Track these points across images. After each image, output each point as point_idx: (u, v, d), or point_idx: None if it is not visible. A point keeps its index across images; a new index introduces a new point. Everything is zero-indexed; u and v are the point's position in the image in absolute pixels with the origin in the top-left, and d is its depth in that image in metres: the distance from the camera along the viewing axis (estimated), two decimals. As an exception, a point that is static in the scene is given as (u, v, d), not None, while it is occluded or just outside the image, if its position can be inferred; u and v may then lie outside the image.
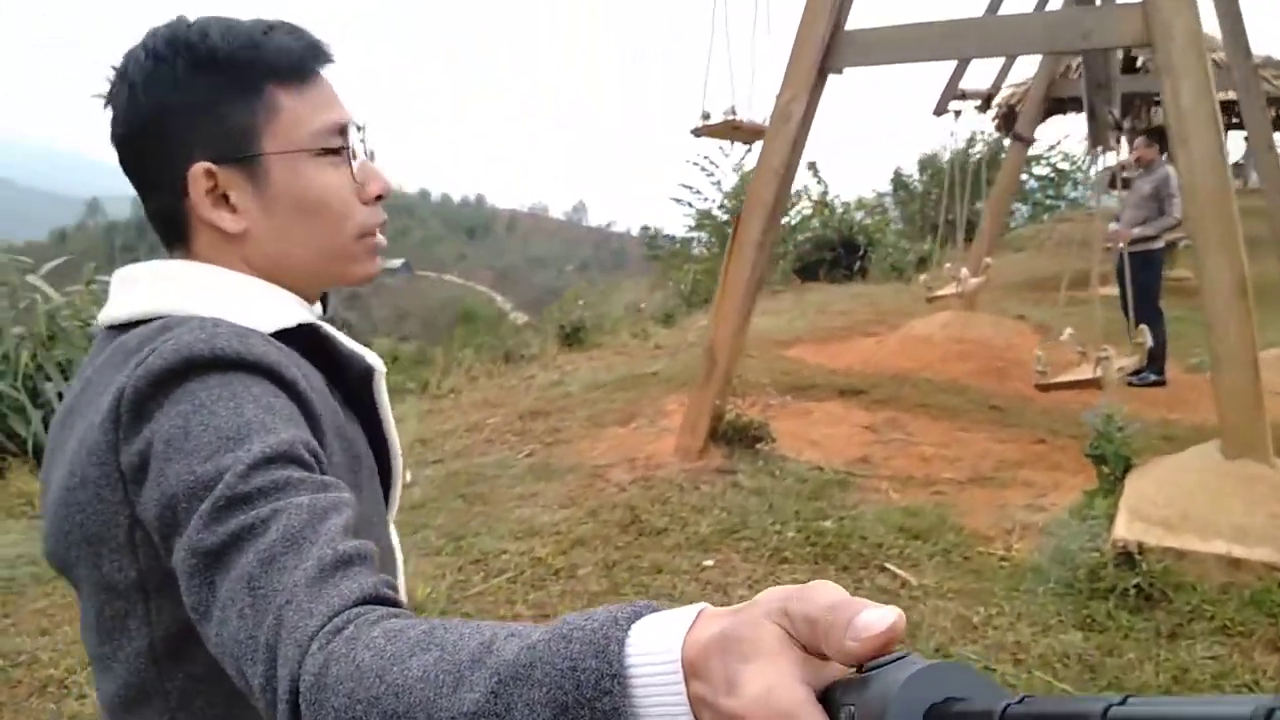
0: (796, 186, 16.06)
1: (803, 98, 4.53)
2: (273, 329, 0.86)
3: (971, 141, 17.62)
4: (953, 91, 7.09)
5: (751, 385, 6.25)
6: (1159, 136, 7.20)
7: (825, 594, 0.45)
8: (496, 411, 7.09)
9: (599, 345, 9.81)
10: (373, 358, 0.96)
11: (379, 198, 0.95)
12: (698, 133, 6.34)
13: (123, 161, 0.90)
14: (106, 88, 0.89)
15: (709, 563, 4.14)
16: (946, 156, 8.69)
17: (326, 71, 0.93)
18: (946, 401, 6.70)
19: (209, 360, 0.76)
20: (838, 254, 14.68)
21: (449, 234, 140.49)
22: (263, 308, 0.88)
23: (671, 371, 7.61)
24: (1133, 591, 3.56)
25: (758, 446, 5.24)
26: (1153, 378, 7.23)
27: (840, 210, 15.70)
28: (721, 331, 5.07)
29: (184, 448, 0.71)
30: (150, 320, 0.85)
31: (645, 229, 21.91)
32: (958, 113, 7.33)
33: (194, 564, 0.67)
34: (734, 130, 6.27)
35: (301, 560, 0.64)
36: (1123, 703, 0.35)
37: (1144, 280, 7.28)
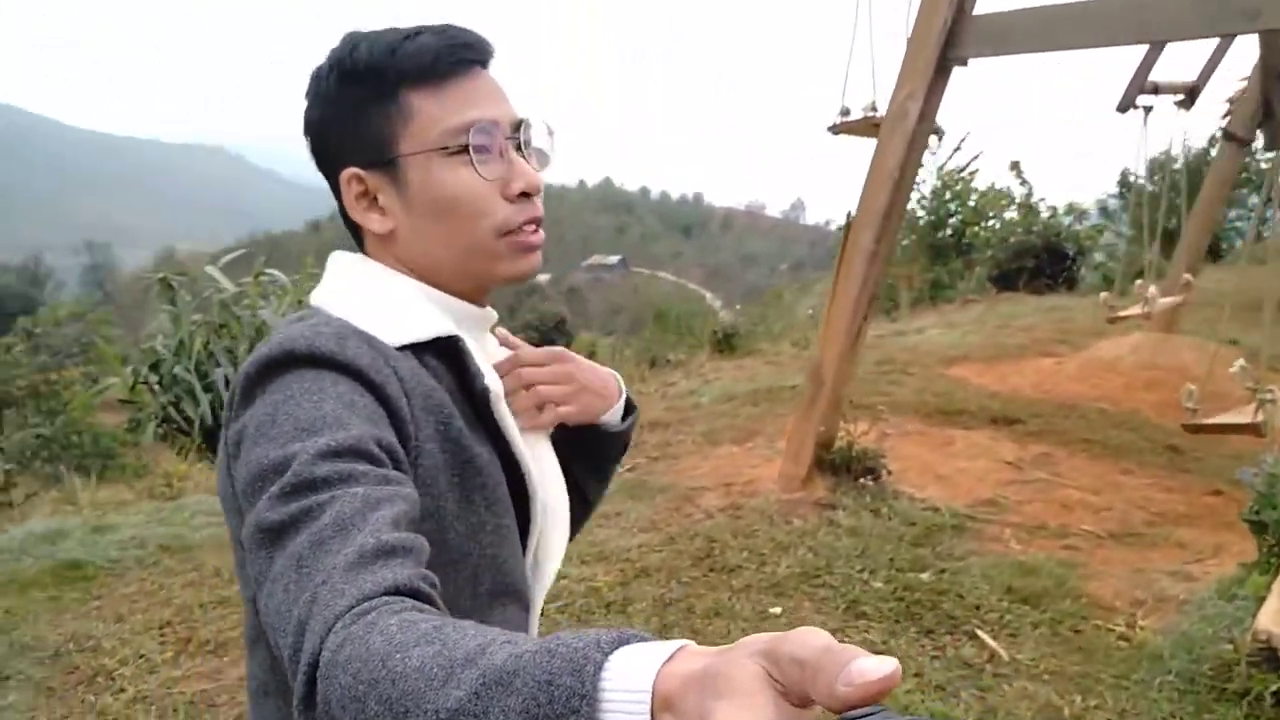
0: (1000, 187, 15.01)
1: (920, 94, 4.02)
2: (399, 342, 0.89)
3: (1213, 141, 15.89)
4: (1140, 84, 6.20)
5: (866, 409, 5.73)
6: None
7: (817, 637, 0.44)
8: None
9: (752, 352, 9.41)
10: (490, 379, 0.95)
11: (525, 194, 0.94)
12: (835, 130, 5.84)
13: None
14: None
15: (776, 610, 3.74)
16: (1162, 158, 7.62)
17: (493, 68, 0.95)
18: (1116, 437, 5.91)
19: (305, 356, 0.81)
20: (1040, 262, 13.53)
21: (666, 231, 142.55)
22: (396, 316, 0.91)
23: (812, 386, 7.15)
24: (1270, 699, 2.88)
25: (862, 480, 4.75)
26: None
27: (1046, 214, 14.47)
28: (829, 352, 4.61)
29: (268, 434, 0.77)
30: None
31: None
32: (1148, 109, 6.40)
33: (259, 538, 0.72)
34: (874, 128, 5.74)
35: (346, 545, 0.67)
36: None
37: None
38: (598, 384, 1.05)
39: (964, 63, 3.98)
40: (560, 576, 4.05)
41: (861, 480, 4.74)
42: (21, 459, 9.53)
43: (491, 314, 1.02)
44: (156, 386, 8.29)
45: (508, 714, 0.49)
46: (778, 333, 11.39)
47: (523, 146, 0.94)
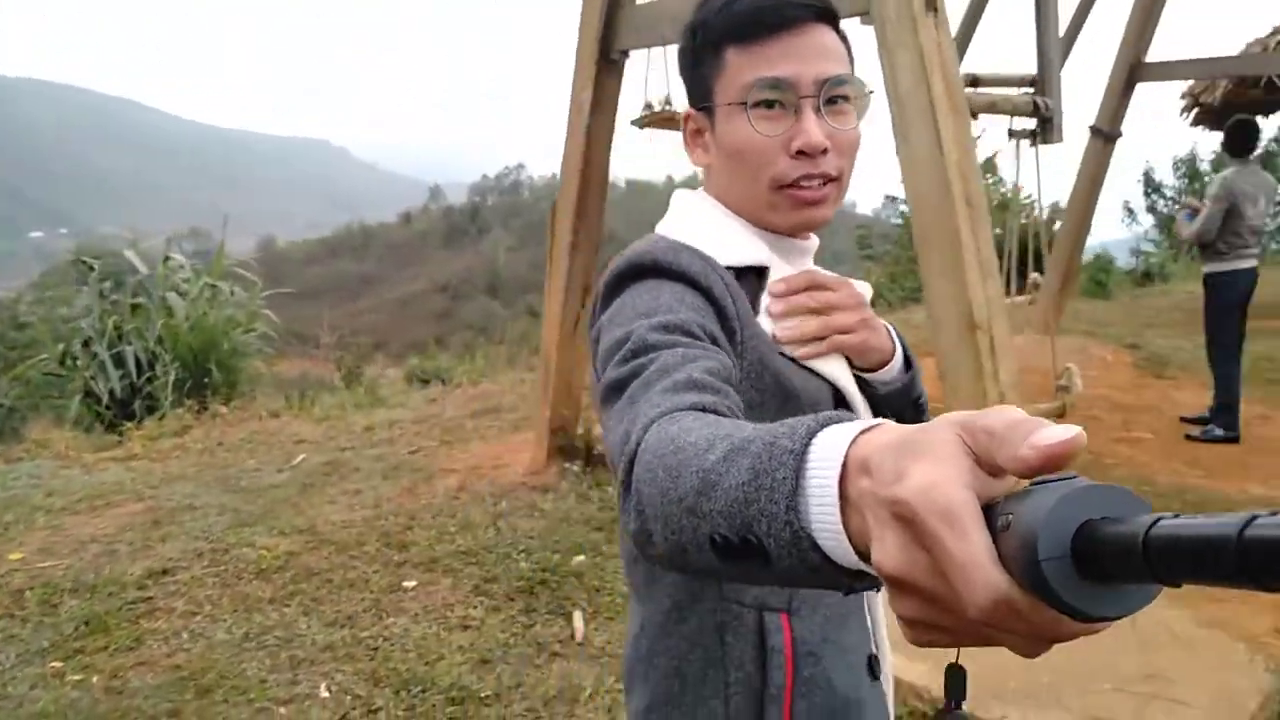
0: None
1: (589, 86, 4.08)
2: (723, 262, 1.01)
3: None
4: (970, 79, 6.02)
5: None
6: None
7: (1009, 412, 0.47)
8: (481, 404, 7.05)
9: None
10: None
11: (801, 152, 1.01)
12: (639, 124, 5.91)
13: None
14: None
15: (410, 584, 3.87)
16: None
17: (821, 26, 1.01)
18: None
19: (649, 267, 0.97)
20: (1007, 264, 13.11)
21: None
22: (719, 239, 1.04)
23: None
24: None
25: (568, 465, 4.82)
26: (1219, 433, 5.85)
27: (1030, 213, 14.01)
28: (549, 339, 4.70)
29: (615, 321, 0.93)
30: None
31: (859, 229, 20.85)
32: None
33: (604, 394, 0.86)
34: (670, 121, 5.78)
35: (666, 380, 0.80)
36: (1273, 514, 0.35)
37: (1207, 308, 5.91)
38: (880, 329, 1.10)
39: (625, 54, 4.02)
40: (244, 544, 4.26)
41: (570, 465, 4.81)
42: (-14, 427, 10.16)
43: (811, 244, 1.12)
44: (79, 362, 8.75)
45: (740, 471, 0.58)
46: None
47: (823, 105, 1.00)
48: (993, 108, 4.24)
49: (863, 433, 0.53)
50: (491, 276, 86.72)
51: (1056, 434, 0.44)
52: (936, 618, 0.47)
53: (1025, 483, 0.46)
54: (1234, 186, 5.53)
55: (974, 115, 4.03)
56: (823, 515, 0.53)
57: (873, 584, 0.54)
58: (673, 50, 4.54)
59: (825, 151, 1.00)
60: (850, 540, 0.52)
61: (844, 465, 0.52)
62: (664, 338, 0.86)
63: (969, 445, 0.47)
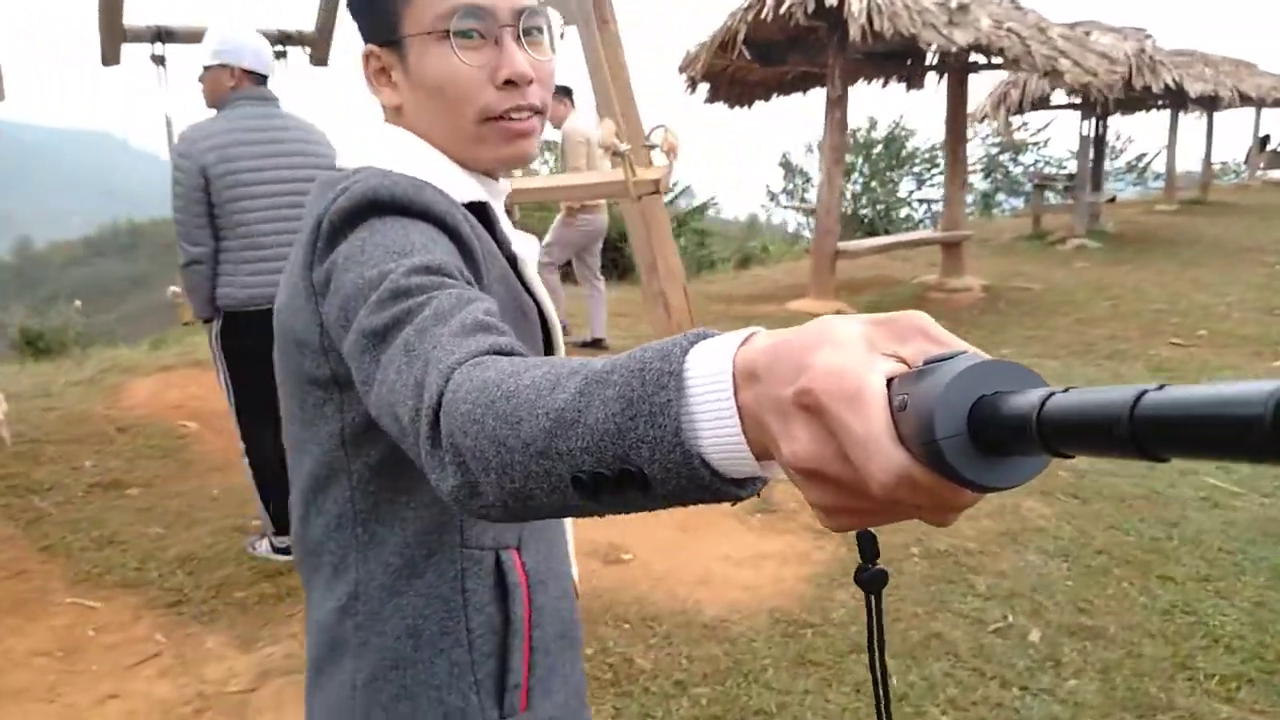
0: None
1: None
2: (457, 199, 0.95)
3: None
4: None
5: None
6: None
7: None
8: None
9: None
10: (517, 245, 1.02)
11: (509, 82, 0.96)
12: None
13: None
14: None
15: None
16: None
17: None
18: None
19: (388, 202, 0.87)
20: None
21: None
22: (445, 176, 0.96)
23: None
24: None
25: None
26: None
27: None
28: None
29: (359, 260, 0.83)
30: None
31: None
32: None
33: (363, 344, 0.77)
34: None
35: (449, 325, 0.72)
36: (1160, 389, 0.35)
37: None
38: None
39: None
40: None
41: None
42: None
43: (504, 186, 1.06)
44: None
45: (606, 403, 0.54)
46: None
47: (521, 35, 0.96)
48: None
49: (741, 344, 0.51)
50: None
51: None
52: (847, 501, 0.47)
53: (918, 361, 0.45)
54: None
55: None
56: (719, 430, 0.51)
57: (755, 489, 0.54)
58: None
59: (530, 82, 0.97)
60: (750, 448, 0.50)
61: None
62: (426, 280, 0.78)
63: (862, 330, 0.46)
